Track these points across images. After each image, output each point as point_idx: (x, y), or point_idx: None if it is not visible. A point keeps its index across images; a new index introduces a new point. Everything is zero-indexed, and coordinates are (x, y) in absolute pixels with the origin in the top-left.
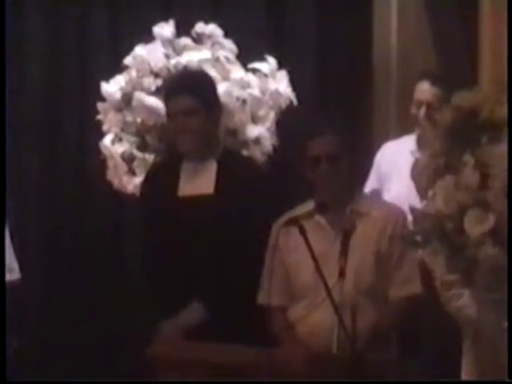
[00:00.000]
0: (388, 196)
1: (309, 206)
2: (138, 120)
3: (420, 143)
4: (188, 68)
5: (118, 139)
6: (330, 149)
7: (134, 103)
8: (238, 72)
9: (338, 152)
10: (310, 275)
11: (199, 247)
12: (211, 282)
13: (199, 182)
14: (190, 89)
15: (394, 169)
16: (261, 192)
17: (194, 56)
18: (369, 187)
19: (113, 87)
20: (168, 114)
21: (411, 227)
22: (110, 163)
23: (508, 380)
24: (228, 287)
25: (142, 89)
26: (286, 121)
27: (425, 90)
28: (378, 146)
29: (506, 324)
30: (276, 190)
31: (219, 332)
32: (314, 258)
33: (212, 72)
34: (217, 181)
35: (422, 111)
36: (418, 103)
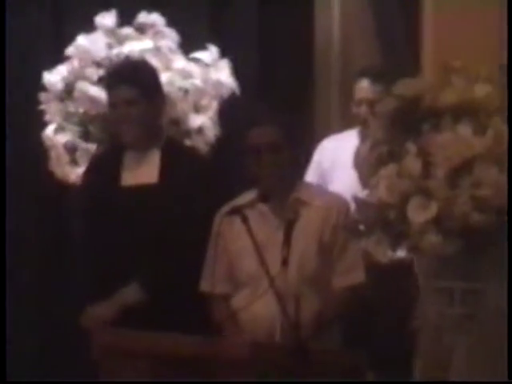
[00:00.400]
0: (332, 188)
1: (252, 194)
2: (81, 110)
3: (363, 138)
4: (129, 58)
5: (60, 129)
6: (270, 138)
7: (77, 93)
8: (179, 62)
9: (279, 142)
10: (253, 263)
11: (142, 236)
12: (152, 267)
13: (142, 171)
14: (131, 79)
15: (337, 163)
16: (204, 181)
17: (135, 46)
18: None
19: (55, 77)
20: (110, 104)
21: (355, 216)
22: (53, 153)
23: (508, 380)
24: (169, 273)
25: (85, 79)
26: (228, 110)
27: (364, 88)
28: (320, 137)
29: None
30: (219, 180)
31: (160, 319)
32: (256, 246)
33: (154, 62)
34: (160, 170)
35: (363, 109)
36: (359, 101)
